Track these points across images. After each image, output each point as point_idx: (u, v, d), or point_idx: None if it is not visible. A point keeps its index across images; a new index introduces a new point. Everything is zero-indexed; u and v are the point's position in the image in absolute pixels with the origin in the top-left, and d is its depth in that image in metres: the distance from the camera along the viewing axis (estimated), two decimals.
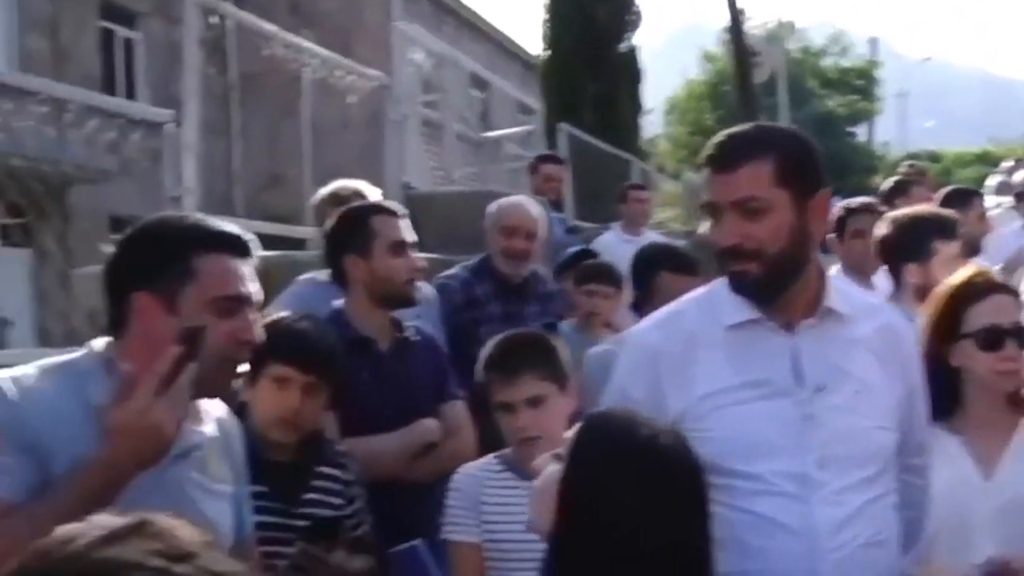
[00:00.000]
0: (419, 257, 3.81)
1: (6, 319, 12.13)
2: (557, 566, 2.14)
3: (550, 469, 2.23)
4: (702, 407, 2.60)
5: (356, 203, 3.99)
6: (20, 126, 5.23)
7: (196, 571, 0.90)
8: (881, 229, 4.34)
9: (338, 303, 3.83)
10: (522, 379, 3.18)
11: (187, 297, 2.29)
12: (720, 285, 2.71)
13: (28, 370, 2.30)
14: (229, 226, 2.45)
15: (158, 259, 2.31)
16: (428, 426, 3.74)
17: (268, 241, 6.70)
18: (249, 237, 2.43)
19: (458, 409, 3.86)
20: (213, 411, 2.55)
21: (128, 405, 2.11)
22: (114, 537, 0.92)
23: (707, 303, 2.72)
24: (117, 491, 2.13)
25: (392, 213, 3.88)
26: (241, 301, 2.35)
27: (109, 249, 2.40)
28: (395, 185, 7.30)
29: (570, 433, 2.23)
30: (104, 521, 0.96)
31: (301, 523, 3.13)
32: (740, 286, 2.61)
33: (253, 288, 2.38)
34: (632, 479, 2.10)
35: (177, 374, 2.13)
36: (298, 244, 6.97)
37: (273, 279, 4.79)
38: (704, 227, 6.45)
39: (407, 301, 3.80)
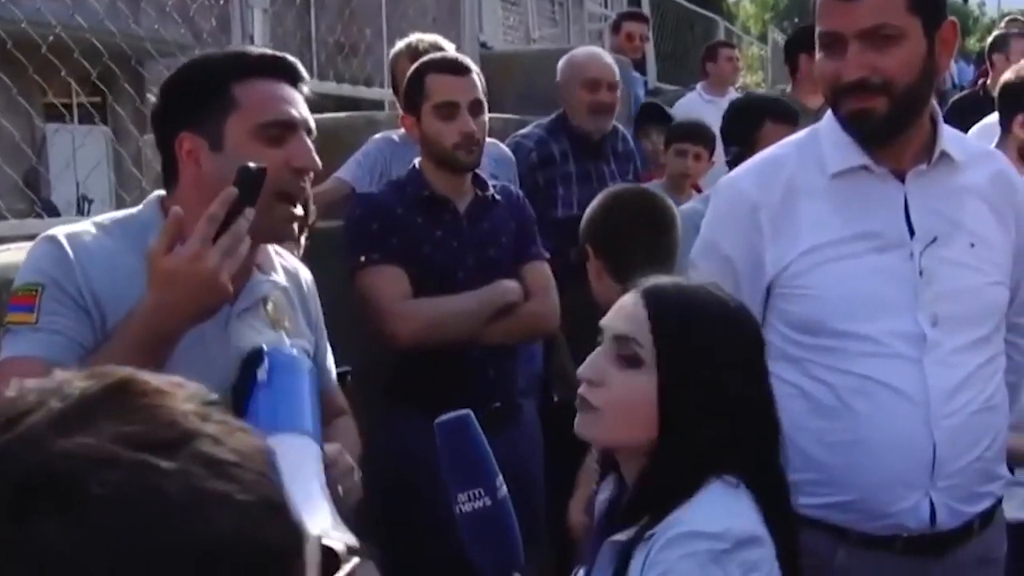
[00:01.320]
0: (472, 120, 3.52)
1: (86, 196, 12.17)
2: (659, 469, 1.93)
3: (624, 380, 1.97)
4: (805, 262, 2.39)
5: (423, 59, 3.75)
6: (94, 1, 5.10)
7: (189, 463, 0.67)
8: (1007, 75, 4.04)
9: (418, 160, 3.64)
10: None
11: (231, 129, 2.13)
12: (823, 129, 2.48)
13: (85, 225, 2.18)
14: (269, 50, 2.28)
15: (197, 96, 2.15)
16: (507, 286, 3.54)
17: (345, 103, 6.60)
18: (291, 60, 2.24)
19: (540, 270, 3.66)
20: (285, 260, 2.41)
21: (179, 250, 1.94)
22: (80, 415, 0.67)
23: (808, 149, 2.49)
24: (169, 344, 1.99)
25: (450, 71, 3.60)
26: (290, 126, 2.16)
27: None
28: (472, 45, 7.06)
29: (628, 321, 1.98)
30: (65, 383, 0.70)
31: None
32: (862, 125, 2.36)
33: (304, 113, 2.19)
34: (715, 336, 1.92)
35: (233, 218, 1.95)
36: (376, 106, 6.79)
37: (349, 140, 4.67)
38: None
39: (455, 165, 3.55)
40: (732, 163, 4.33)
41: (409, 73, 3.69)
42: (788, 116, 4.26)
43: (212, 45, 5.99)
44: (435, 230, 3.50)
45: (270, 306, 2.29)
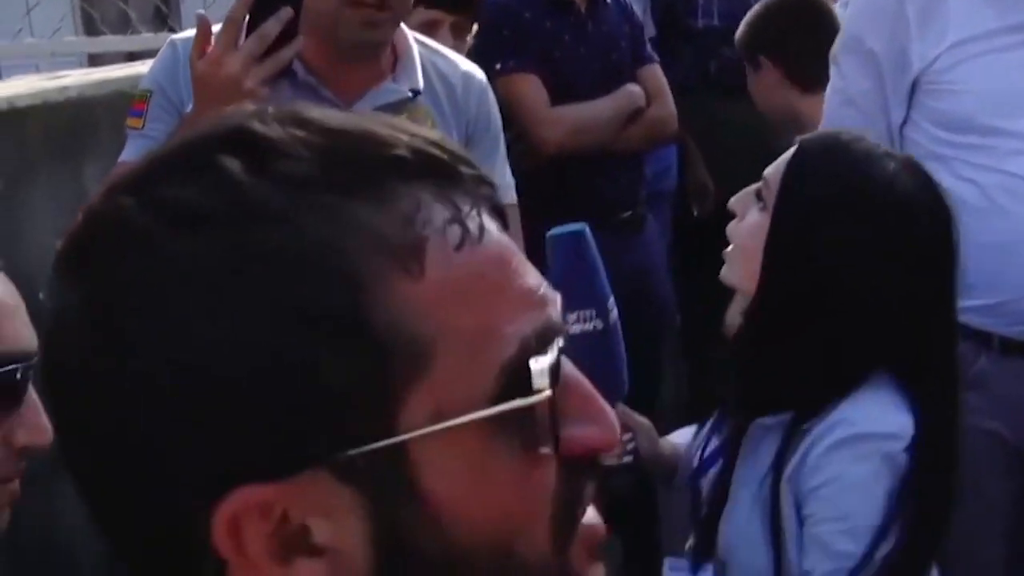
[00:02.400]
0: None
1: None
2: (759, 339, 1.82)
3: (752, 219, 1.85)
4: (954, 56, 2.31)
5: None
6: None
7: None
8: None
9: None
10: None
11: None
12: None
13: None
14: None
15: None
16: (636, 91, 3.58)
17: None
18: None
19: (656, 73, 3.68)
20: (444, 61, 2.38)
21: (207, 56, 1.94)
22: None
23: None
24: None
25: None
26: None
27: None
28: None
29: (776, 167, 1.83)
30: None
31: None
32: None
33: None
34: (861, 230, 1.73)
35: (261, 19, 1.91)
36: None
37: None
38: None
39: None
40: None
41: None
42: None
43: None
44: (563, 34, 3.51)
45: (406, 116, 2.21)
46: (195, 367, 0.62)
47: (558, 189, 3.35)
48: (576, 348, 1.93)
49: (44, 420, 1.14)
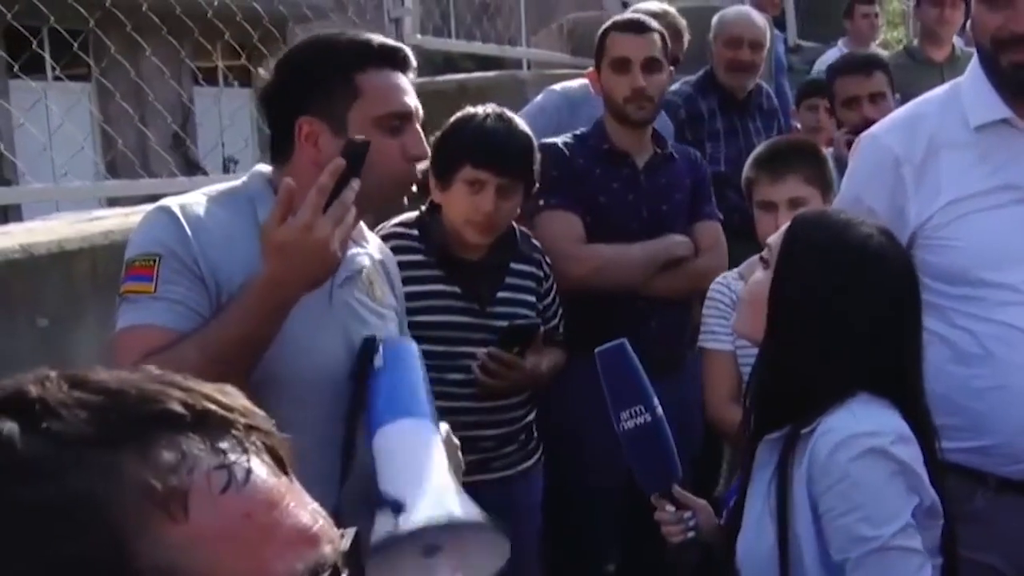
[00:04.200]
0: (643, 76, 3.66)
1: (232, 157, 12.49)
2: (766, 372, 2.15)
3: (758, 275, 2.21)
4: (947, 214, 2.46)
5: (618, 18, 3.94)
6: None
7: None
8: None
9: (603, 115, 3.80)
10: (788, 179, 3.18)
11: (354, 117, 2.20)
12: (966, 83, 2.53)
13: (195, 197, 2.23)
14: (386, 40, 2.34)
15: (320, 81, 2.21)
16: (677, 240, 3.69)
17: (486, 64, 6.68)
18: (407, 50, 2.32)
19: (713, 229, 3.81)
20: (372, 237, 2.51)
21: (291, 221, 1.99)
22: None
23: (950, 103, 2.55)
24: (284, 312, 2.06)
25: (628, 29, 3.77)
26: (408, 116, 2.25)
27: (265, 75, 2.31)
28: (615, 3, 7.10)
29: (777, 236, 2.19)
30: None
31: (495, 323, 3.12)
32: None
33: (416, 102, 2.28)
34: (843, 279, 2.07)
35: (341, 189, 2.01)
36: (515, 66, 6.89)
37: (494, 99, 4.78)
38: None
39: (627, 119, 3.70)
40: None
41: (599, 33, 3.86)
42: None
43: (361, 5, 6.14)
44: (612, 182, 3.65)
45: (365, 276, 2.37)
46: None
47: (594, 324, 3.36)
48: (630, 441, 2.20)
49: None
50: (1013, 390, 2.39)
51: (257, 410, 0.78)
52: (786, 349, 2.10)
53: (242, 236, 2.15)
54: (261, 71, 2.36)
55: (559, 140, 3.73)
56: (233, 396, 0.77)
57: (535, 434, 3.40)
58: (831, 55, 8.00)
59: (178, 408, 0.72)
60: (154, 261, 2.11)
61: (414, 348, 2.21)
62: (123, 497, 0.68)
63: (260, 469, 0.74)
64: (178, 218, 2.13)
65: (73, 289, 2.82)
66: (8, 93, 10.80)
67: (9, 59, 4.26)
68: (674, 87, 4.91)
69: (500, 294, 3.20)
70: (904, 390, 2.08)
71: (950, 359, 2.44)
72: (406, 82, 2.28)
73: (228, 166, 12.61)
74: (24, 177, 4.12)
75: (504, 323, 3.12)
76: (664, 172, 3.75)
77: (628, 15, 4.01)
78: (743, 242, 3.80)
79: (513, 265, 3.26)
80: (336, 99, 2.21)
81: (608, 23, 3.89)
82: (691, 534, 2.30)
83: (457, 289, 2.90)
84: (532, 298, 3.30)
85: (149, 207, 3.24)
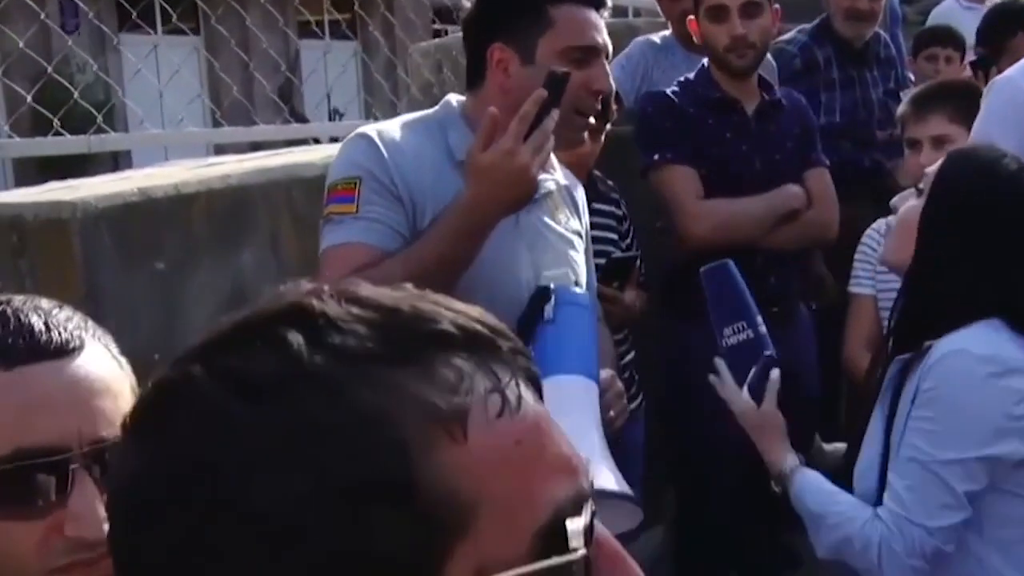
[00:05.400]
0: (742, 23, 3.54)
1: (337, 109, 12.57)
2: (908, 296, 2.20)
3: (910, 203, 2.25)
4: None
5: None
6: None
7: None
8: None
9: (706, 61, 3.70)
10: (931, 118, 3.19)
11: (543, 47, 2.30)
12: None
13: (391, 124, 2.35)
14: None
15: (515, 10, 2.32)
16: (792, 191, 3.61)
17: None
18: None
19: (823, 177, 3.72)
20: (558, 165, 2.56)
21: (495, 147, 2.10)
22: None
23: None
24: (484, 234, 2.17)
25: None
26: (595, 51, 2.34)
27: (467, 3, 2.43)
28: None
29: (933, 167, 2.24)
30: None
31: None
32: None
33: (606, 39, 2.36)
34: (998, 208, 2.13)
35: (542, 118, 2.10)
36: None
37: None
38: None
39: (729, 68, 3.60)
40: (975, 64, 4.27)
41: None
42: None
43: None
44: (725, 131, 3.58)
45: (551, 201, 2.44)
46: (259, 526, 0.65)
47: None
48: (733, 356, 2.24)
49: (94, 513, 1.10)
50: None
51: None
52: (929, 271, 2.15)
53: (435, 160, 2.29)
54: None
55: (667, 89, 3.67)
56: (493, 319, 0.76)
57: (636, 376, 3.42)
58: (948, 5, 7.81)
59: (451, 328, 0.72)
60: (355, 183, 2.25)
61: (586, 301, 2.25)
62: (409, 417, 0.67)
63: (528, 395, 0.74)
64: (375, 143, 2.26)
65: (190, 233, 2.84)
66: (120, 48, 10.95)
67: (128, 6, 4.29)
68: (789, 35, 4.83)
69: None
70: None
71: None
72: (597, 18, 2.37)
73: (334, 118, 12.73)
74: (142, 124, 4.14)
75: (597, 261, 3.09)
76: (774, 119, 3.67)
77: None
78: (856, 198, 3.76)
79: (595, 204, 3.25)
80: (529, 28, 2.31)
81: None
82: None
83: None
84: (615, 236, 3.37)
85: (257, 154, 3.27)
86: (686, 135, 3.54)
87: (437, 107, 2.42)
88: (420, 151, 2.29)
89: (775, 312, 3.38)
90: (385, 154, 2.25)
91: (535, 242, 2.35)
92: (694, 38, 3.82)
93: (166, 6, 4.26)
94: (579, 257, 2.48)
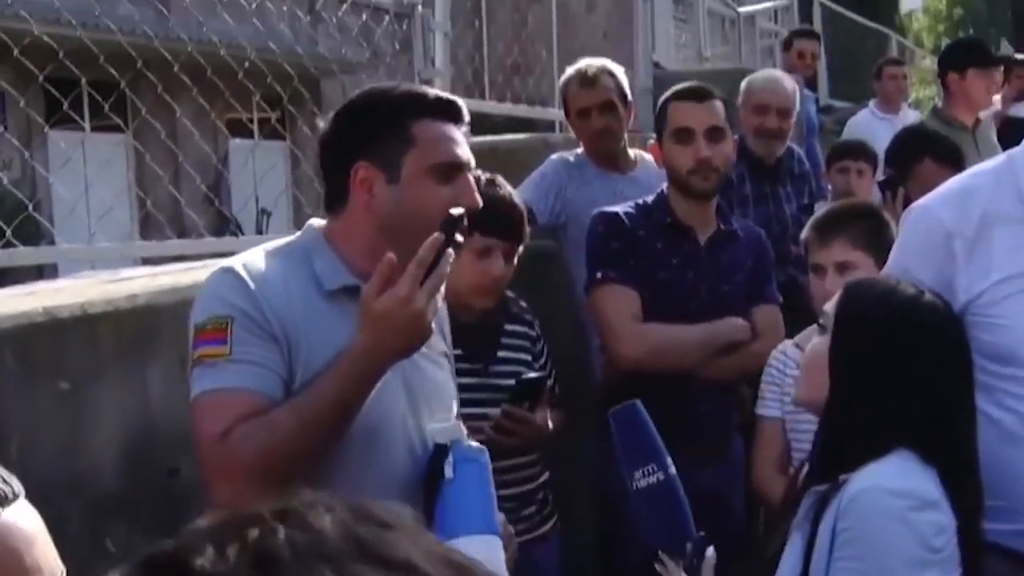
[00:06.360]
0: (707, 146, 3.55)
1: (265, 209, 12.55)
2: (824, 431, 2.23)
3: (815, 341, 2.29)
4: (998, 292, 2.39)
5: (678, 87, 3.82)
6: (275, 18, 5.29)
7: None
8: None
9: (665, 186, 3.68)
10: (834, 243, 3.19)
11: (408, 166, 2.24)
12: (1019, 157, 2.47)
13: (254, 254, 2.27)
14: (441, 92, 2.41)
15: (376, 128, 2.26)
16: (735, 323, 3.57)
17: (518, 124, 6.69)
18: (461, 103, 2.36)
19: (772, 313, 3.69)
20: None
21: (391, 293, 2.06)
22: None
23: (1004, 176, 2.49)
24: (377, 379, 2.13)
25: (689, 98, 3.66)
26: (461, 167, 2.29)
27: (322, 123, 2.37)
28: (645, 65, 7.08)
29: (831, 303, 2.27)
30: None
31: (497, 382, 3.16)
32: None
33: (468, 153, 2.32)
34: (896, 338, 2.17)
35: (438, 261, 2.07)
36: (548, 127, 6.86)
37: (526, 160, 4.76)
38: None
39: (690, 191, 3.58)
40: (883, 185, 4.36)
41: (659, 103, 3.78)
42: (951, 159, 4.23)
43: (392, 66, 6.18)
44: (672, 257, 3.55)
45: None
46: None
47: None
48: (643, 500, 2.25)
49: None
50: None
51: None
52: (842, 407, 2.18)
53: (300, 290, 2.21)
54: (320, 122, 2.41)
55: (620, 209, 3.63)
56: None
57: (550, 497, 3.38)
58: (863, 116, 8.00)
59: None
60: (227, 324, 2.14)
61: (485, 459, 2.23)
62: None
63: None
64: (243, 277, 2.17)
65: (96, 353, 2.79)
66: (47, 145, 10.88)
67: (59, 96, 4.28)
68: None
69: (499, 354, 3.25)
70: (953, 454, 2.13)
71: (996, 440, 2.36)
72: (459, 134, 2.32)
73: (262, 218, 12.71)
74: (73, 211, 4.09)
75: (508, 382, 3.13)
76: (726, 250, 3.64)
77: (689, 84, 3.86)
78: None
79: (507, 326, 3.28)
80: (391, 146, 2.25)
81: (668, 92, 3.77)
82: None
83: (459, 352, 2.88)
84: (528, 357, 3.33)
85: (179, 265, 3.23)
86: (633, 257, 3.51)
87: (300, 232, 2.35)
88: (288, 282, 2.21)
89: (701, 445, 3.36)
90: (254, 288, 2.15)
91: (407, 368, 2.26)
92: (656, 163, 3.82)
93: (95, 95, 4.23)
94: (450, 380, 2.47)
